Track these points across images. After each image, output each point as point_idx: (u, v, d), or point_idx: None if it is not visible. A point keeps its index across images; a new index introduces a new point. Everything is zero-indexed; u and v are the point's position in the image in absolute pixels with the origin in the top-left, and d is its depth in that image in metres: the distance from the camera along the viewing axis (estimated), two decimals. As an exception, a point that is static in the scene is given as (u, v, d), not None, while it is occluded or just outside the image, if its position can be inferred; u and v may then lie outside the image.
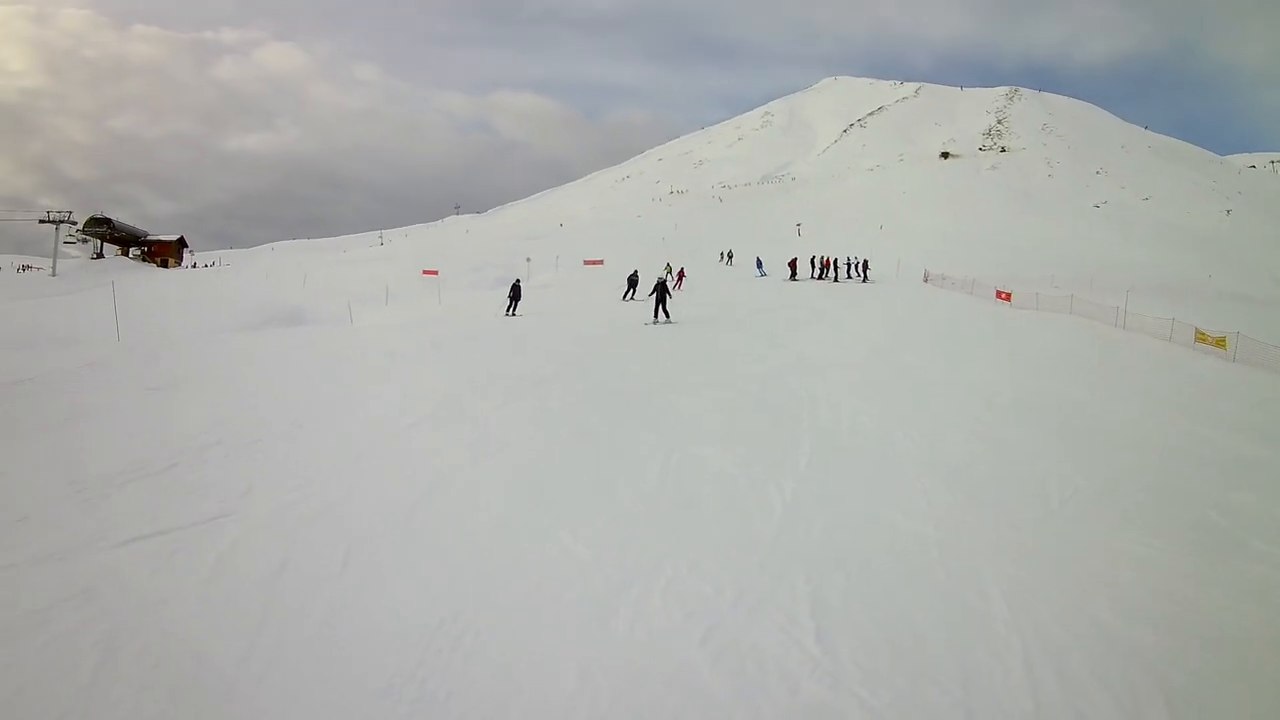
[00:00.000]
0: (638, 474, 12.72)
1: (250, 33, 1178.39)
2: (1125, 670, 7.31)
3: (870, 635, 7.76)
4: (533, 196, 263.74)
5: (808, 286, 51.87)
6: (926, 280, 59.09)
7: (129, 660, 7.15)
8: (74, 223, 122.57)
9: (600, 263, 73.13)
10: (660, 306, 32.35)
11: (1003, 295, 46.18)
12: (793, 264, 59.99)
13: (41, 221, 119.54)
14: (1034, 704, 6.79)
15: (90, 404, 16.77)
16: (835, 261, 61.86)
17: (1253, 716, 6.89)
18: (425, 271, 65.32)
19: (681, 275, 54.08)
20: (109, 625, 7.69)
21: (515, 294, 38.45)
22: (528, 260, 75.56)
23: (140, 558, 9.22)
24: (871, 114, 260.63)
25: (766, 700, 6.74)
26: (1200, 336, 29.74)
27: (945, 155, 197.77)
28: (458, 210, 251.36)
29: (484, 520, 10.68)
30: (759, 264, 65.32)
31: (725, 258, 77.29)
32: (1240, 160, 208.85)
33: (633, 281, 46.33)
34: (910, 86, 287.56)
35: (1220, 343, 28.49)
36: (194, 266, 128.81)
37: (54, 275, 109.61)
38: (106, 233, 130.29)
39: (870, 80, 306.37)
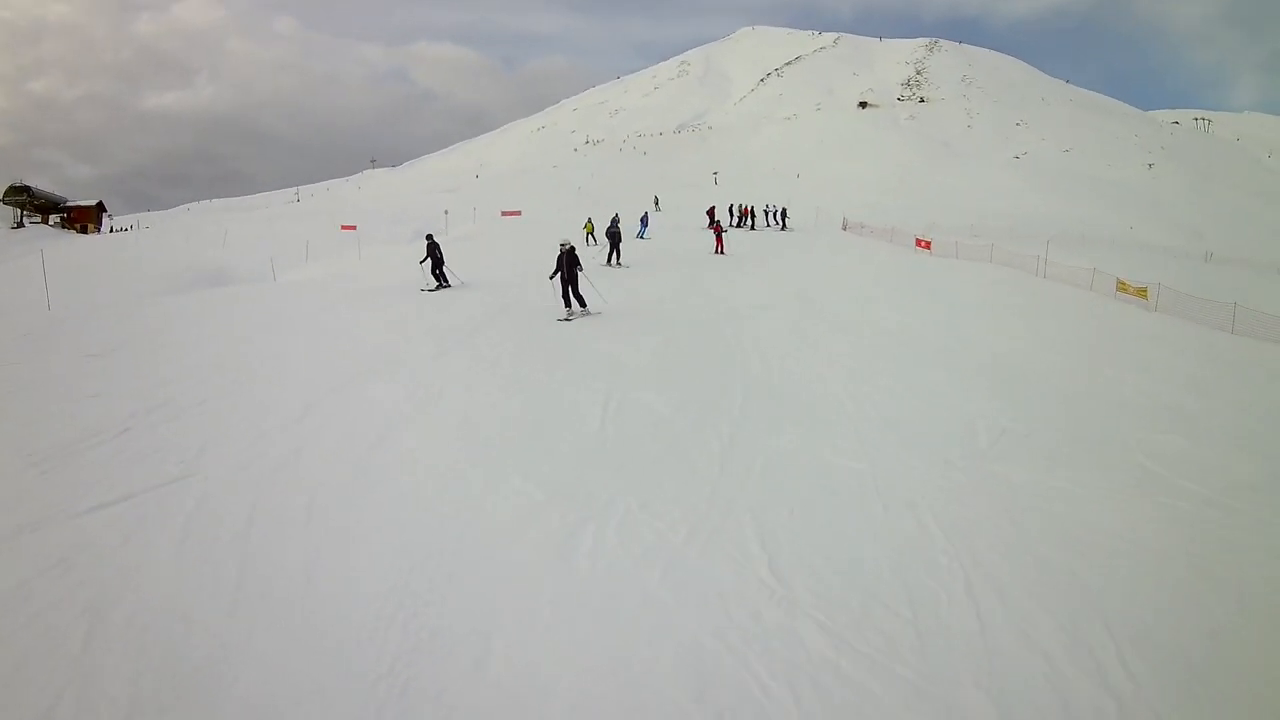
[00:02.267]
0: (579, 419, 13.00)
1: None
2: (1063, 595, 7.69)
3: (818, 565, 8.09)
4: (449, 148, 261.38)
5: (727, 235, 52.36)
6: (845, 229, 59.55)
7: (118, 627, 7.19)
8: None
9: (518, 214, 72.92)
10: (570, 288, 22.79)
11: (922, 243, 46.90)
12: (711, 212, 60.25)
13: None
14: (979, 624, 7.16)
15: (31, 375, 16.62)
16: (753, 210, 62.27)
17: (1183, 635, 7.24)
18: (344, 226, 64.95)
19: (718, 231, 44.66)
20: (92, 594, 7.74)
21: (435, 259, 29.31)
22: (445, 213, 74.87)
23: (109, 524, 9.23)
24: (789, 64, 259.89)
25: (731, 626, 7.04)
26: (1121, 286, 30.53)
27: (863, 105, 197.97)
28: (373, 164, 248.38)
29: (438, 466, 10.91)
30: (643, 223, 54.13)
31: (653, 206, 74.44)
32: (1164, 116, 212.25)
33: (614, 237, 37.17)
34: (829, 36, 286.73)
35: (1141, 293, 29.25)
36: (113, 231, 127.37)
37: None
38: (26, 200, 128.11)
39: (788, 30, 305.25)
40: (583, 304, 22.87)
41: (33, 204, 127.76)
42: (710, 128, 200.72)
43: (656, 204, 72.21)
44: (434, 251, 29.99)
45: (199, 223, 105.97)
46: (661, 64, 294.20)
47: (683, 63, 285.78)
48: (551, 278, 23.15)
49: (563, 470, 10.73)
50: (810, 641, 6.87)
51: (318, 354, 17.83)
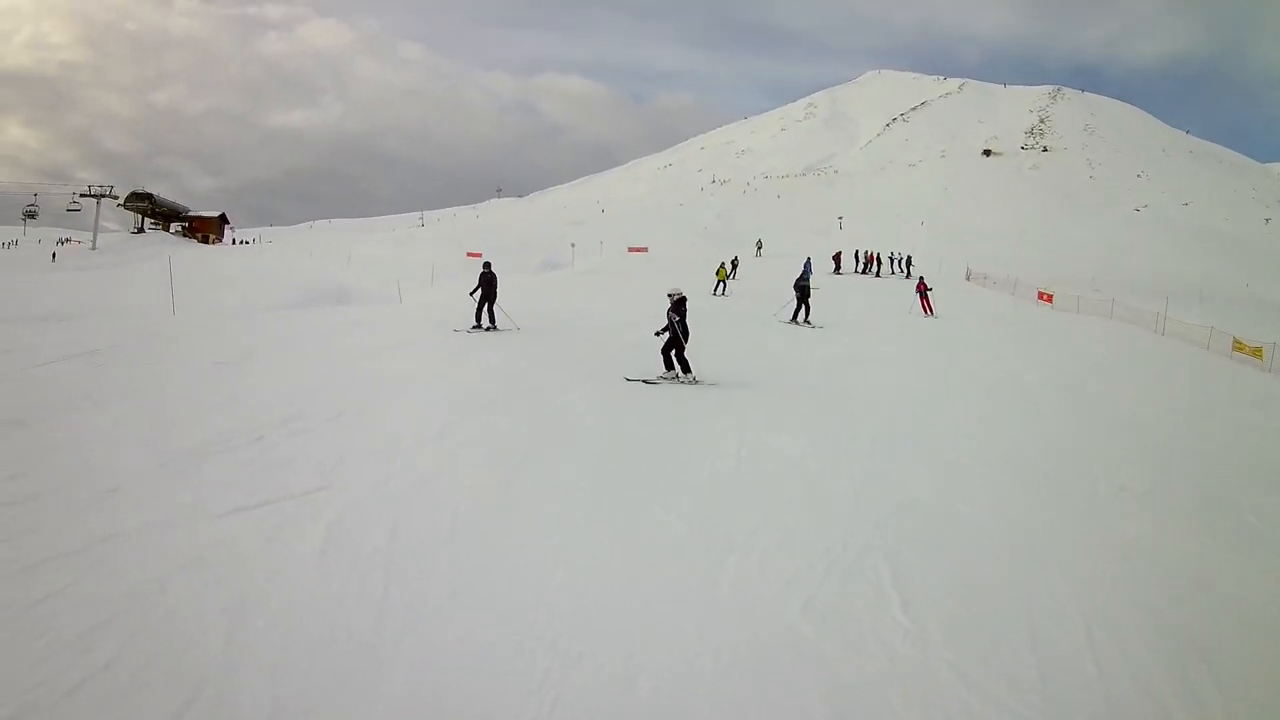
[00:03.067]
0: (716, 455, 13.33)
1: (294, 9, 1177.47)
2: (1174, 645, 7.98)
3: (948, 606, 8.42)
4: (575, 181, 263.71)
5: (851, 281, 52.35)
6: (969, 279, 59.52)
7: (260, 628, 7.38)
8: (115, 197, 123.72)
9: (644, 250, 73.36)
10: (674, 352, 19.01)
11: (1044, 297, 46.76)
12: (837, 257, 60.97)
13: (83, 195, 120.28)
14: (1097, 669, 7.49)
15: (161, 375, 17.17)
16: (879, 257, 62.47)
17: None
18: (469, 254, 65.95)
19: (923, 290, 41.20)
20: (232, 593, 7.94)
21: (487, 294, 25.33)
22: (571, 246, 75.46)
23: (247, 528, 9.49)
24: (914, 109, 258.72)
25: (869, 660, 7.40)
26: (1238, 346, 30.06)
27: (987, 153, 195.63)
28: (499, 193, 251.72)
29: (579, 494, 11.24)
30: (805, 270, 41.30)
31: (756, 248, 72.35)
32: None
33: (804, 291, 32.17)
34: (954, 82, 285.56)
35: (1257, 353, 28.80)
36: (235, 243, 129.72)
37: (94, 249, 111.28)
38: (148, 207, 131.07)
39: (914, 75, 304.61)
40: (685, 369, 18.78)
41: (154, 211, 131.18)
42: (836, 171, 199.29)
43: (759, 248, 70.69)
44: (488, 285, 25.64)
45: (323, 240, 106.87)
46: (789, 105, 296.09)
47: (810, 104, 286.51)
48: (658, 334, 19.01)
49: (701, 505, 11.05)
50: (942, 679, 7.20)
51: (451, 377, 18.26)
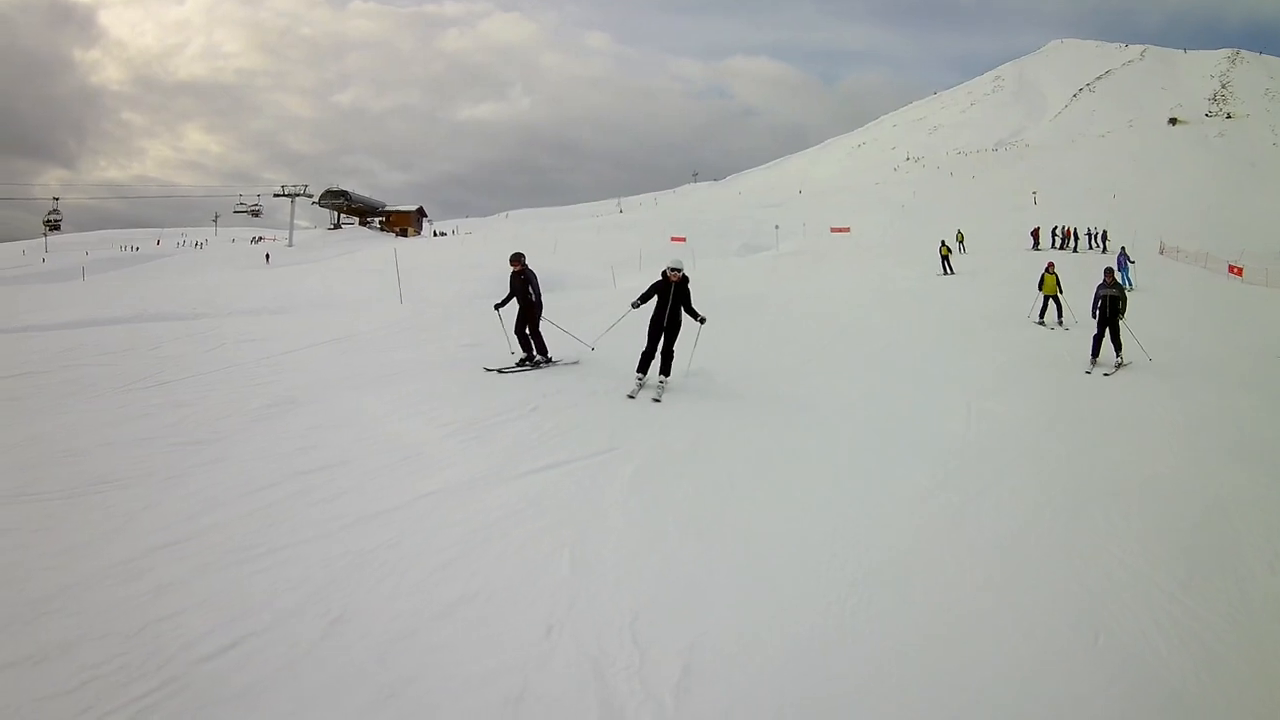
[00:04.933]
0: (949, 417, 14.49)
1: (475, 4, 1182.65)
2: None
3: (1182, 563, 8.77)
4: (770, 164, 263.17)
5: (1053, 258, 52.61)
6: (1161, 252, 59.21)
7: (596, 558, 8.22)
8: (309, 195, 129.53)
9: (847, 230, 73.87)
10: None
11: (1235, 270, 46.69)
12: (1035, 233, 61.07)
13: (277, 195, 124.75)
14: None
15: (421, 359, 18.51)
16: (1075, 231, 62.75)
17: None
18: (673, 239, 67.49)
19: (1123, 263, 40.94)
20: (567, 533, 8.74)
21: (527, 309, 17.82)
22: (775, 228, 76.00)
23: (557, 481, 10.46)
24: (1099, 78, 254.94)
25: (1122, 596, 8.05)
26: None
27: (1173, 121, 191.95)
28: (695, 177, 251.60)
29: (842, 450, 12.53)
30: (1122, 263, 42.54)
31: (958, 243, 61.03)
32: None
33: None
34: (1135, 49, 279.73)
35: None
36: (435, 235, 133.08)
37: (290, 245, 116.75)
38: (343, 204, 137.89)
39: (1097, 43, 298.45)
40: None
41: (350, 208, 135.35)
42: (1027, 145, 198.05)
43: (961, 241, 61.95)
44: (524, 288, 17.72)
45: (522, 230, 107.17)
46: (976, 79, 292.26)
47: (997, 78, 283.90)
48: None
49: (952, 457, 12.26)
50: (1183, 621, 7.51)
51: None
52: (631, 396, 15.29)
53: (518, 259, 18.11)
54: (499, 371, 17.03)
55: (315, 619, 6.71)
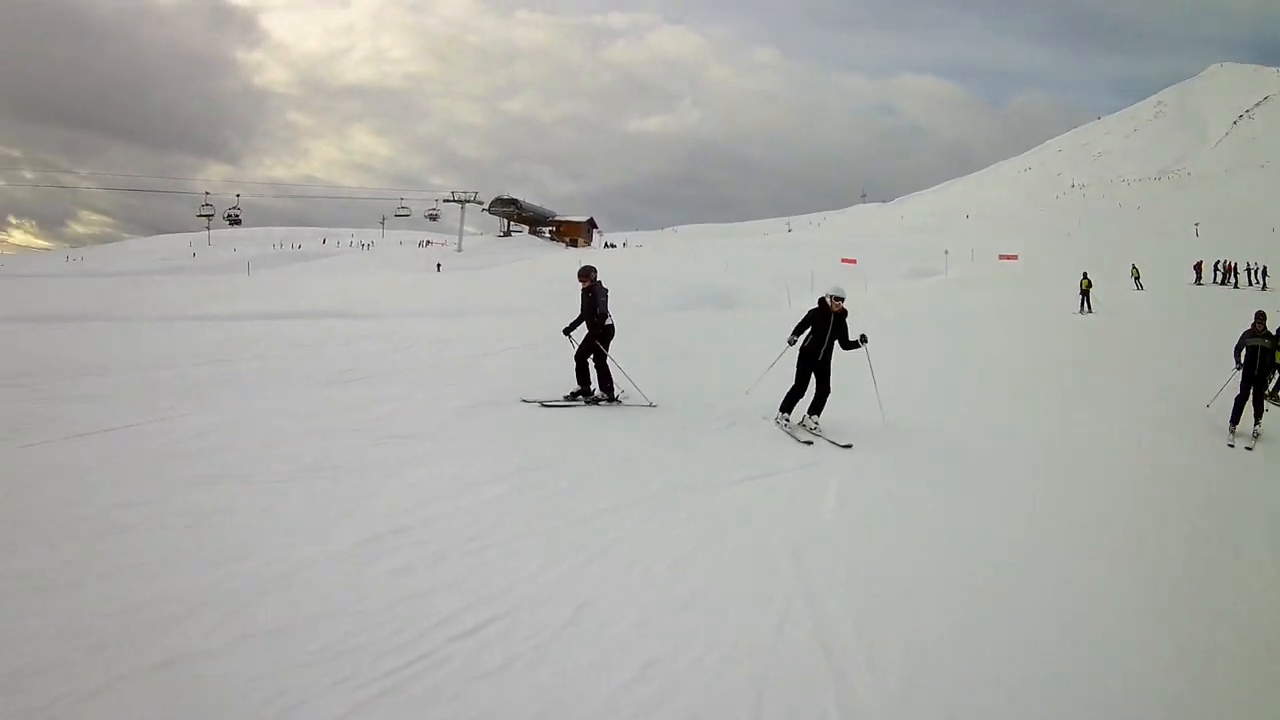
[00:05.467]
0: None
1: (642, 16, 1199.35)
2: None
3: None
4: (938, 186, 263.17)
5: (1214, 292, 51.24)
6: (1325, 291, 57.04)
7: (816, 555, 8.62)
8: (479, 202, 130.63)
9: (1014, 258, 72.74)
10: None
11: None
12: (1198, 267, 59.63)
13: (446, 200, 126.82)
14: None
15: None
16: (1235, 266, 61.01)
17: None
18: (844, 260, 66.76)
19: None
20: (784, 533, 9.19)
21: (597, 338, 15.57)
22: (945, 253, 74.90)
23: (765, 490, 10.89)
24: (1258, 104, 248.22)
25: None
26: None
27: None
28: (864, 198, 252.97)
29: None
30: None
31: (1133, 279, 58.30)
32: None
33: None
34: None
35: None
36: (605, 246, 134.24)
37: (459, 250, 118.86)
38: (514, 212, 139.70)
39: (1255, 67, 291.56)
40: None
41: (520, 216, 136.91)
42: (1189, 174, 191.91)
43: (1136, 277, 58.11)
44: (591, 308, 15.58)
45: (692, 245, 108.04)
46: (1139, 104, 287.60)
47: (1159, 103, 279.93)
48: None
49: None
50: None
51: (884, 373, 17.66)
52: (804, 440, 13.67)
53: (587, 273, 15.78)
54: (541, 404, 14.94)
55: (562, 605, 7.01)
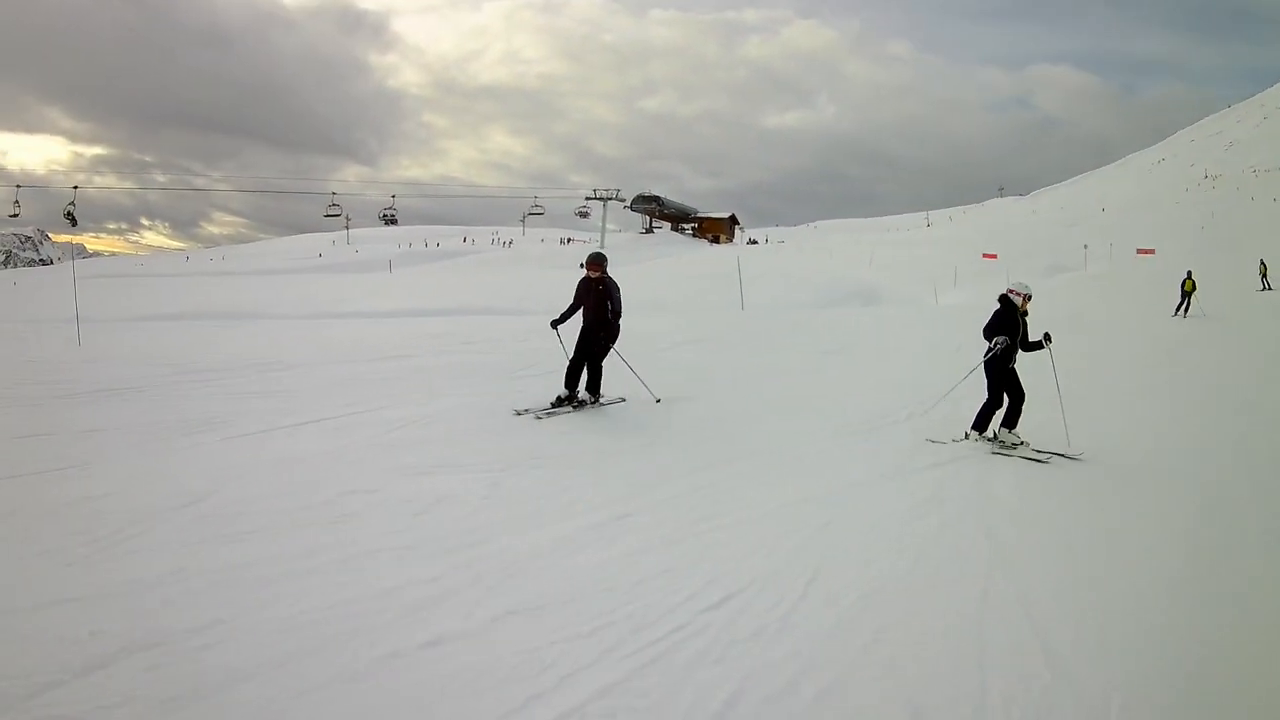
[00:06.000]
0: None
1: (775, 12, 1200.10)
2: None
3: None
4: (1073, 179, 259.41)
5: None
6: None
7: (1006, 542, 8.87)
8: (621, 200, 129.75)
9: (1151, 252, 71.25)
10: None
11: None
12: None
13: (589, 198, 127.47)
14: None
15: (780, 363, 20.05)
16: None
17: None
18: (985, 255, 66.27)
19: None
20: (973, 520, 9.62)
21: (593, 340, 14.48)
22: (1085, 247, 73.55)
23: (950, 476, 11.38)
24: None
25: None
26: None
27: None
28: (1001, 191, 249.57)
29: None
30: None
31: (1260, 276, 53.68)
32: None
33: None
34: None
35: None
36: (748, 242, 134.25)
37: (602, 248, 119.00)
38: (656, 209, 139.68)
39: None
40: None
41: (662, 213, 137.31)
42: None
43: (1264, 274, 53.07)
44: (603, 303, 14.28)
45: (835, 241, 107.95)
46: (1268, 90, 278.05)
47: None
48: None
49: None
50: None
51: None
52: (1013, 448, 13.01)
53: (597, 262, 14.32)
54: (536, 416, 13.35)
55: (793, 580, 7.60)
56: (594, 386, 14.45)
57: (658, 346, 21.72)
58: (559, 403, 13.95)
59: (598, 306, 14.21)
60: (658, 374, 16.47)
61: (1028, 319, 13.42)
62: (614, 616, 6.65)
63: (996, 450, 12.84)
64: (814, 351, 21.50)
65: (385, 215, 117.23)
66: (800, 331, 25.71)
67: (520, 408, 13.60)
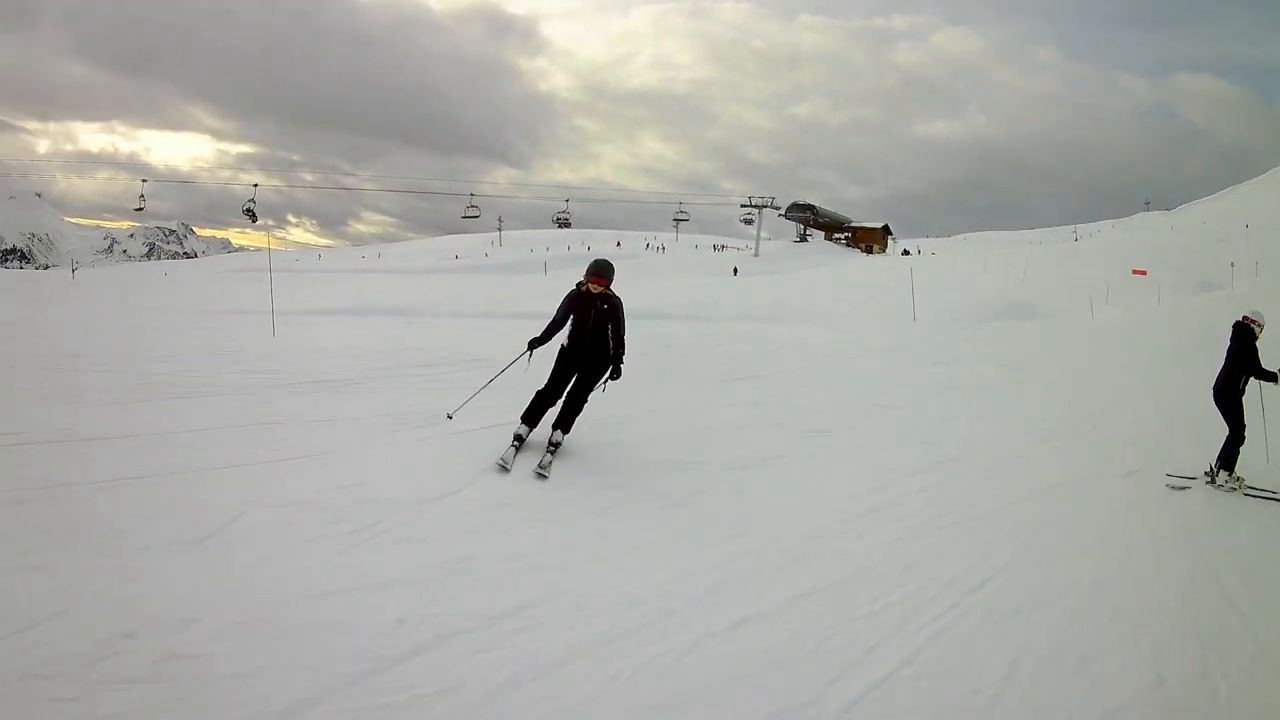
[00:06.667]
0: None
1: (922, 18, 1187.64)
2: None
3: None
4: (1220, 192, 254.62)
5: None
6: None
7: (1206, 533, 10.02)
8: (776, 208, 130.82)
9: None
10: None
11: None
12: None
13: (744, 205, 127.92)
14: None
15: (966, 374, 21.03)
16: None
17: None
18: (1135, 271, 65.63)
19: None
20: (1173, 519, 10.74)
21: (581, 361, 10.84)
22: (1231, 265, 72.30)
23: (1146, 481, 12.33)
24: None
25: None
26: None
27: None
28: (1147, 205, 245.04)
29: None
30: None
31: None
32: None
33: None
34: None
35: None
36: (902, 253, 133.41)
37: (756, 255, 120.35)
38: (809, 218, 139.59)
39: None
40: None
41: (816, 221, 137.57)
42: None
43: None
44: (602, 327, 10.92)
45: (986, 253, 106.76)
46: None
47: None
48: None
49: None
50: None
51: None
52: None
53: (600, 273, 10.81)
54: (502, 466, 10.03)
55: (1033, 572, 8.68)
56: (568, 423, 10.78)
57: (847, 353, 22.88)
58: (518, 440, 10.44)
59: (594, 333, 10.82)
60: (856, 387, 18.10)
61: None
62: (893, 597, 7.68)
63: (1248, 491, 12.14)
64: (994, 363, 22.81)
65: (559, 219, 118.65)
66: (972, 344, 27.14)
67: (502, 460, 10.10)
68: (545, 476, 9.98)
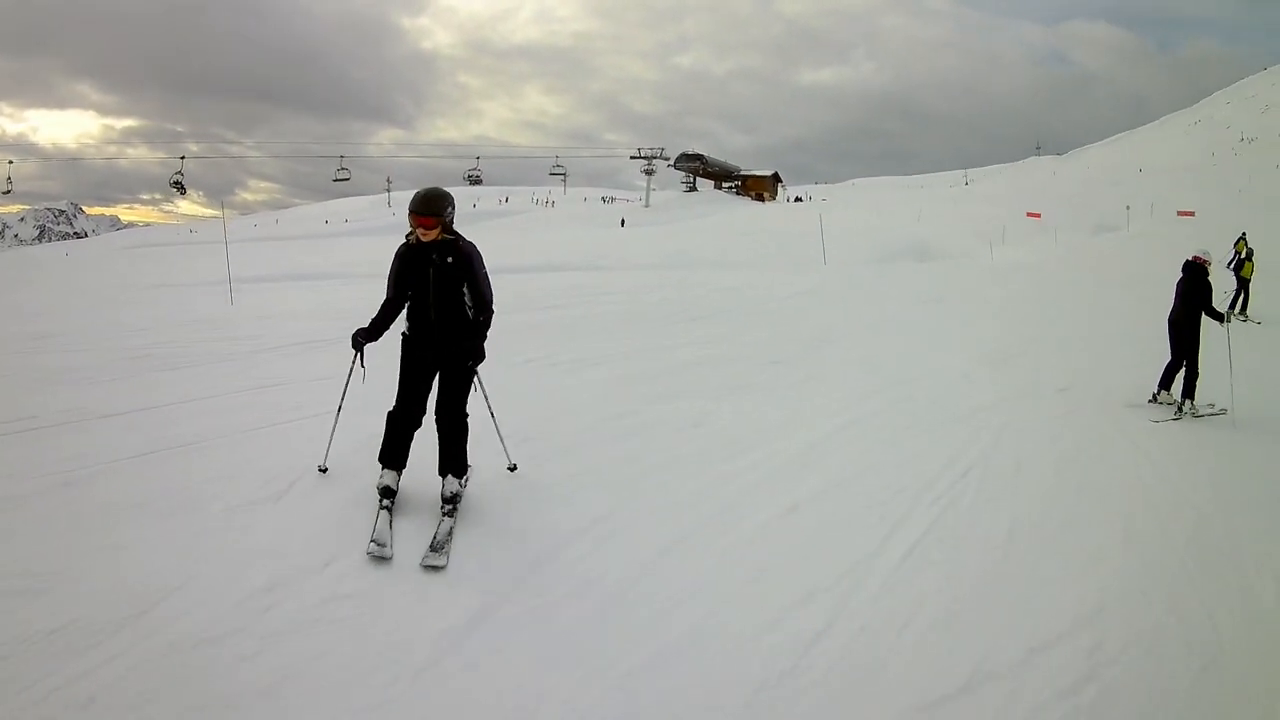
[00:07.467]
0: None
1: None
2: None
3: None
4: (1111, 138, 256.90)
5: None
6: None
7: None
8: (666, 158, 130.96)
9: (1191, 214, 71.00)
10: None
11: None
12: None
13: (633, 158, 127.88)
14: None
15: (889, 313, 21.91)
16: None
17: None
18: (1029, 214, 66.85)
19: None
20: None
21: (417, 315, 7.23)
22: (1126, 209, 73.64)
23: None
24: None
25: None
26: None
27: None
28: (1039, 150, 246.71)
29: None
30: None
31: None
32: None
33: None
34: None
35: None
36: (793, 200, 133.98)
37: (647, 206, 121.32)
38: (699, 167, 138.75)
39: None
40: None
41: (706, 171, 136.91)
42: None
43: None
44: (456, 287, 7.21)
45: (878, 198, 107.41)
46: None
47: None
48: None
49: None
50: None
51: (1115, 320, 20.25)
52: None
53: (427, 208, 7.08)
54: (377, 548, 6.67)
55: (1003, 461, 10.36)
56: (458, 458, 7.49)
57: (779, 295, 24.03)
58: (389, 500, 7.21)
59: (442, 304, 7.31)
60: (792, 325, 19.28)
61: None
62: (903, 484, 9.22)
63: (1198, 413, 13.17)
64: (913, 301, 24.03)
65: (470, 176, 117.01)
66: (885, 283, 28.50)
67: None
68: (441, 567, 6.58)
